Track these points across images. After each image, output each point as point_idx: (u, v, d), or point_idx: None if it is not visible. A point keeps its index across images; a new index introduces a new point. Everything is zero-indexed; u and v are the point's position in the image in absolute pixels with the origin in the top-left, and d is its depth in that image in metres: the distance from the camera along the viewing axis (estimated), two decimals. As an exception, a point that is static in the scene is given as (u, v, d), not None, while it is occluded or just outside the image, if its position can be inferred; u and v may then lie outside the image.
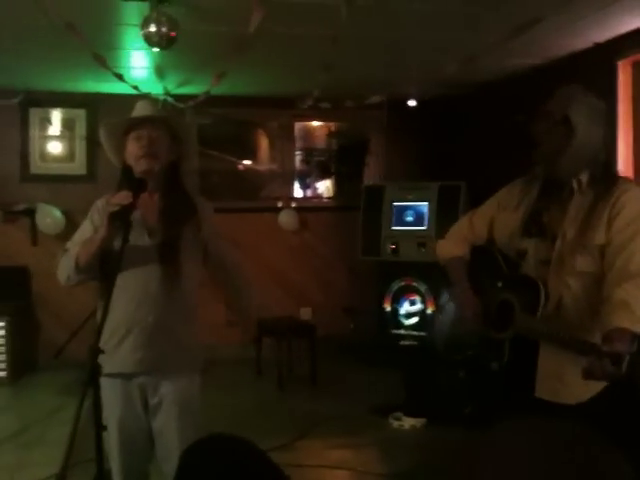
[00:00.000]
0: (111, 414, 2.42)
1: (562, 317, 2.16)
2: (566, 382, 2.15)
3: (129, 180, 2.46)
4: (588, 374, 1.88)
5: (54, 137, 6.42)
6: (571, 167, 2.20)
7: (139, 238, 2.40)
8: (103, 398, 2.40)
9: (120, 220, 2.24)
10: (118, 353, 2.40)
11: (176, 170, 2.53)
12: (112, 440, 2.44)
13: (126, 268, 2.35)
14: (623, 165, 4.52)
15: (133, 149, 2.44)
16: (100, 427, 1.83)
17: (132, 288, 2.38)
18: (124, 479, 2.47)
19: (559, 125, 2.17)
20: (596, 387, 2.10)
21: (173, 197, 2.48)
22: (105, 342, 2.37)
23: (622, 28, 4.31)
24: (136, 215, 2.37)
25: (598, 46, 4.67)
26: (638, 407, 2.62)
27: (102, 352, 1.86)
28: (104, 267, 2.35)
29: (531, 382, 2.22)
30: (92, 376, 1.77)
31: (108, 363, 2.37)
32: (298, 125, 7.22)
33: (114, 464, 2.46)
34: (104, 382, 2.40)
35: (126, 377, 2.42)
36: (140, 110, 2.50)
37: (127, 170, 2.50)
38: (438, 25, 4.22)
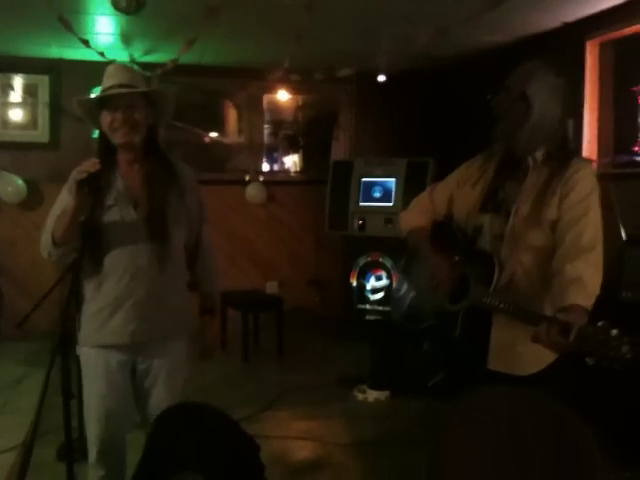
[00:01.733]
0: (93, 387, 2.42)
1: (514, 290, 2.21)
2: (519, 353, 2.20)
3: (107, 149, 2.40)
4: (535, 337, 1.93)
5: (16, 104, 6.26)
6: (528, 143, 2.22)
7: (125, 211, 2.36)
8: (84, 369, 2.41)
9: (88, 187, 2.19)
10: (110, 326, 2.37)
11: (155, 136, 2.45)
12: (90, 412, 2.44)
13: (114, 242, 2.34)
14: (588, 144, 4.59)
15: (109, 120, 2.34)
16: (68, 396, 1.81)
17: (122, 262, 2.35)
18: (100, 450, 2.45)
19: (517, 101, 2.19)
20: (547, 359, 2.15)
21: (154, 164, 2.42)
22: (93, 315, 2.39)
23: (591, 8, 4.36)
24: (120, 187, 2.35)
25: (567, 25, 4.71)
26: (583, 380, 2.70)
27: (72, 320, 1.83)
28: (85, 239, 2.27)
29: (484, 354, 2.26)
30: (61, 344, 1.74)
31: (99, 335, 2.38)
32: (267, 98, 7.16)
33: (90, 435, 2.45)
34: (90, 353, 2.40)
35: (118, 348, 2.40)
36: (111, 77, 2.39)
37: (104, 138, 2.40)
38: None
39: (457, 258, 2.35)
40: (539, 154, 2.24)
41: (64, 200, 2.40)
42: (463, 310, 2.25)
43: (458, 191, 2.45)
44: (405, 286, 2.63)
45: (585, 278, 2.02)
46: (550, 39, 4.91)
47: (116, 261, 2.35)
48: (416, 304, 2.53)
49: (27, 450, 1.67)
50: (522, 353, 2.18)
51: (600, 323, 1.78)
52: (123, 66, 2.50)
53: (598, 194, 2.19)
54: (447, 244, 2.41)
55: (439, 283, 2.36)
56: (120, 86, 2.34)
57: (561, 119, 2.24)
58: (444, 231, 2.47)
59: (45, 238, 2.40)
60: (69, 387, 1.90)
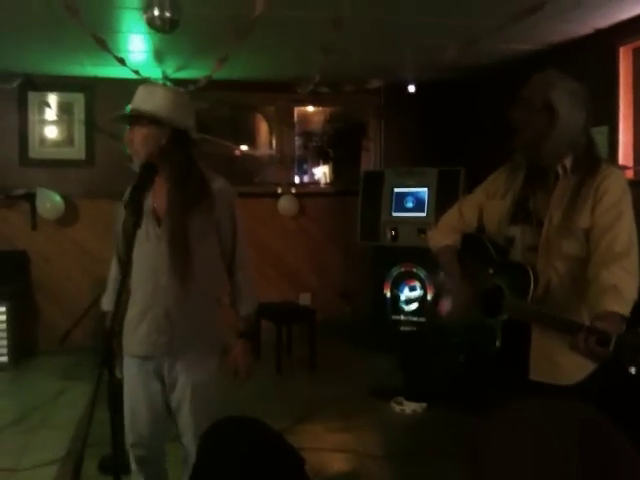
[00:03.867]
0: (129, 394, 2.51)
1: (550, 300, 2.19)
2: (558, 363, 2.18)
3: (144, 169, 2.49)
4: (573, 346, 1.91)
5: (53, 121, 6.39)
6: (554, 152, 2.21)
7: (150, 228, 2.44)
8: (124, 377, 2.50)
9: (131, 205, 2.26)
10: (135, 336, 2.47)
11: (176, 155, 2.46)
12: (127, 420, 2.52)
13: (140, 257, 2.42)
14: (623, 151, 4.53)
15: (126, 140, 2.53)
16: (115, 411, 1.85)
17: (145, 276, 2.45)
18: (137, 458, 2.53)
19: (540, 111, 2.18)
20: (588, 368, 2.14)
21: (178, 180, 2.46)
22: (126, 325, 2.50)
23: (623, 14, 4.31)
24: (148, 205, 2.41)
25: (599, 32, 4.66)
26: (627, 388, 2.66)
27: (116, 336, 1.87)
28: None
29: (525, 365, 2.25)
30: (107, 359, 1.77)
31: (129, 344, 2.49)
32: (296, 110, 7.20)
33: (128, 444, 2.53)
34: (127, 361, 2.50)
35: (142, 359, 2.49)
36: (133, 101, 2.51)
37: None
38: (439, 9, 4.22)
39: (490, 270, 2.34)
40: (567, 162, 2.23)
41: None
42: (501, 323, 2.24)
43: (487, 203, 2.45)
44: (441, 301, 2.64)
45: (621, 284, 2.00)
46: (582, 46, 4.86)
47: (142, 275, 2.46)
48: (452, 319, 2.53)
49: (77, 465, 1.70)
50: (562, 363, 2.17)
51: None
52: (145, 88, 2.53)
53: (630, 199, 2.17)
54: (479, 257, 2.40)
55: (460, 306, 2.37)
56: (133, 111, 2.47)
57: (585, 125, 2.23)
58: (476, 243, 2.46)
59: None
60: (116, 402, 1.93)
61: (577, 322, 2.00)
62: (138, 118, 2.45)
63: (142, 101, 2.47)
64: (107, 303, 2.63)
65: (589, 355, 1.90)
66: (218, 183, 2.54)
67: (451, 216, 2.59)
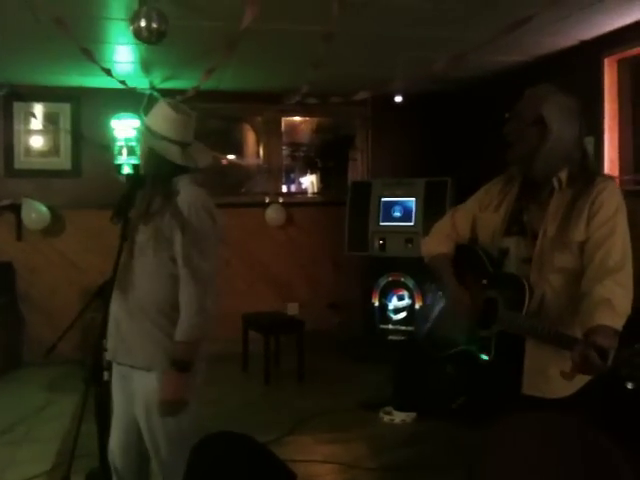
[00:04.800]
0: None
1: (544, 313, 2.19)
2: (551, 377, 2.18)
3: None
4: (576, 365, 1.90)
5: (38, 131, 6.35)
6: (547, 166, 2.22)
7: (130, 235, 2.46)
8: None
9: (117, 216, 2.27)
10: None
11: (153, 167, 2.52)
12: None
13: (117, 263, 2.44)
14: (609, 162, 4.57)
15: None
16: (102, 423, 1.83)
17: (115, 281, 2.44)
18: (112, 466, 2.51)
19: (532, 125, 2.20)
20: (580, 382, 2.13)
21: (155, 194, 2.47)
22: None
23: (608, 26, 4.35)
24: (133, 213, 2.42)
25: (584, 44, 4.71)
26: (621, 401, 2.67)
27: (105, 350, 1.85)
28: None
29: (518, 378, 2.24)
30: (95, 373, 1.76)
31: None
32: (284, 120, 7.21)
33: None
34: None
35: (114, 363, 2.51)
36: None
37: None
38: (428, 22, 4.24)
39: (484, 282, 2.34)
40: (563, 175, 2.24)
41: None
42: (495, 335, 2.24)
43: (481, 215, 2.45)
44: (431, 312, 2.62)
45: (614, 299, 2.01)
46: (567, 57, 4.91)
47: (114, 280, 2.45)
48: (443, 330, 2.52)
49: (65, 479, 1.68)
50: (555, 376, 2.16)
51: (637, 345, 1.77)
52: (157, 109, 2.54)
53: (624, 212, 2.18)
54: (473, 268, 2.40)
55: (460, 314, 2.36)
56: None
57: (578, 139, 2.24)
58: (469, 255, 2.46)
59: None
60: (103, 415, 1.91)
61: (572, 336, 2.01)
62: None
63: (153, 122, 2.55)
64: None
65: (587, 370, 1.90)
66: (183, 196, 2.45)
67: (444, 225, 2.58)
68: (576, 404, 2.14)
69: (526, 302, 2.18)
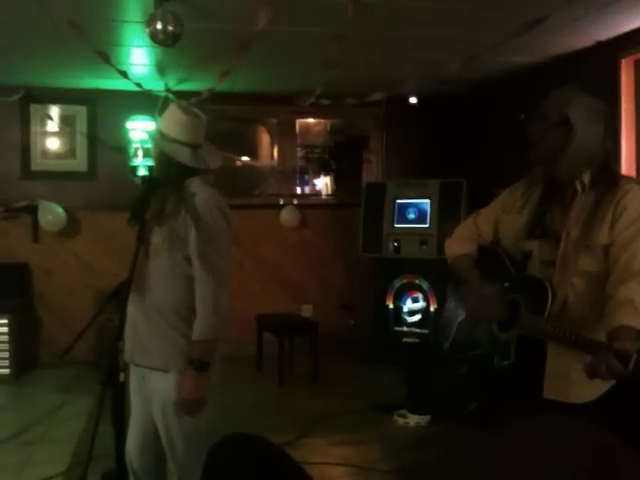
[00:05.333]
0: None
1: (567, 317, 2.17)
2: (574, 381, 2.16)
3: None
4: (592, 371, 1.89)
5: (55, 134, 6.40)
6: (571, 168, 2.20)
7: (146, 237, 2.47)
8: None
9: (134, 219, 2.28)
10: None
11: (164, 169, 2.56)
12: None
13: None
14: (626, 163, 4.53)
15: None
16: (119, 427, 1.84)
17: (132, 283, 2.44)
18: (130, 467, 2.53)
19: (557, 126, 2.18)
20: (603, 386, 2.12)
21: (169, 196, 2.49)
22: None
23: (625, 26, 4.32)
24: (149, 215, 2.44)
25: (600, 44, 4.67)
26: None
27: (121, 351, 1.86)
28: None
29: (539, 382, 2.22)
30: (111, 375, 1.77)
31: None
32: (298, 122, 7.22)
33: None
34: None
35: (134, 367, 2.53)
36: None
37: None
38: (441, 23, 4.22)
39: (506, 284, 2.32)
40: (586, 177, 2.22)
41: None
42: (515, 338, 2.22)
43: (504, 217, 2.44)
44: (452, 314, 2.61)
45: (637, 299, 1.98)
46: (583, 58, 4.87)
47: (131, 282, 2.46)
48: (463, 333, 2.50)
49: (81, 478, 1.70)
50: (577, 381, 2.14)
51: None
52: (168, 112, 2.56)
53: None
54: (495, 270, 2.38)
55: (487, 311, 2.33)
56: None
57: (603, 141, 2.22)
58: (491, 257, 2.44)
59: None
60: (119, 415, 1.92)
61: (595, 340, 1.98)
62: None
63: (166, 126, 2.57)
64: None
65: (608, 375, 1.88)
66: (195, 197, 2.46)
67: (467, 227, 2.58)
68: (598, 410, 2.12)
69: (548, 305, 2.15)
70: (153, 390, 2.49)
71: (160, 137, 2.52)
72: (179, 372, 2.40)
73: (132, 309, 2.44)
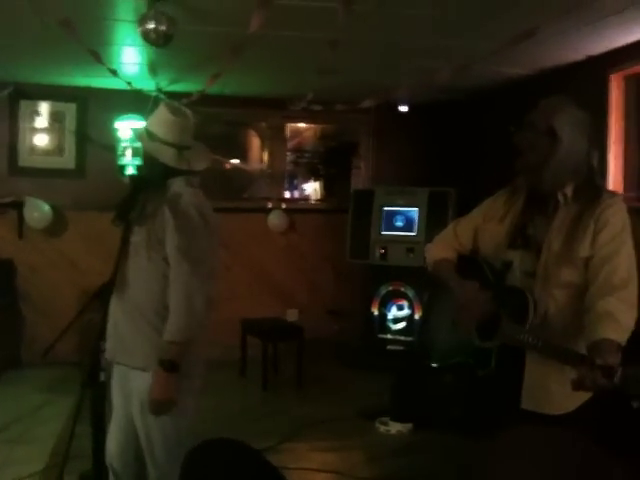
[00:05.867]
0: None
1: (548, 328, 2.18)
2: (552, 392, 2.17)
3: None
4: (578, 385, 1.89)
5: (43, 130, 6.36)
6: (555, 178, 2.21)
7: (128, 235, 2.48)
8: None
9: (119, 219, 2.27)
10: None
11: (147, 169, 2.58)
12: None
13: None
14: (613, 178, 4.56)
15: None
16: (97, 425, 1.83)
17: (115, 281, 2.46)
18: (117, 456, 2.53)
19: (543, 136, 2.19)
20: (582, 397, 2.13)
21: (151, 196, 2.49)
22: None
23: (615, 42, 4.35)
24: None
25: (591, 59, 4.71)
26: (626, 420, 2.65)
27: (103, 352, 1.85)
28: None
29: (517, 392, 2.23)
30: (92, 374, 1.76)
31: None
32: (288, 126, 7.22)
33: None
34: None
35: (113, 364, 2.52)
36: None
37: None
38: (432, 32, 4.24)
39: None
40: (568, 189, 2.23)
41: None
42: (496, 347, 2.22)
43: (484, 226, 2.44)
44: (431, 321, 2.61)
45: (617, 313, 2.00)
46: (573, 72, 4.91)
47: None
48: (443, 340, 2.51)
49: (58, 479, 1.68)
50: (555, 392, 2.16)
51: None
52: (157, 111, 2.56)
53: (629, 230, 2.17)
54: (475, 279, 2.38)
55: (470, 310, 2.32)
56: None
57: (588, 153, 2.23)
58: (471, 266, 2.45)
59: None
60: (98, 416, 1.91)
61: (579, 353, 1.99)
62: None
63: (155, 127, 2.56)
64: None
65: (594, 389, 1.88)
66: (175, 197, 2.46)
67: (447, 235, 2.57)
68: (576, 421, 2.13)
69: (530, 316, 2.16)
70: (132, 389, 2.48)
71: (147, 136, 2.51)
72: (154, 369, 2.39)
73: (113, 307, 2.44)
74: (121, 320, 2.45)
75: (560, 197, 2.23)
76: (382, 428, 4.60)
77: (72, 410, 4.46)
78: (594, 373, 1.83)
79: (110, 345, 2.42)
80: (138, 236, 2.42)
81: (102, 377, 2.30)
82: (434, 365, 2.57)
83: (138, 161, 5.39)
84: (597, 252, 2.14)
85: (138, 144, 2.68)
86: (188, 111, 2.56)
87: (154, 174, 2.50)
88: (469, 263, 2.47)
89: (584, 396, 2.12)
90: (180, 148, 2.50)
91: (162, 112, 2.52)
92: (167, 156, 2.46)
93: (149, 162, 2.52)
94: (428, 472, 3.85)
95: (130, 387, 2.49)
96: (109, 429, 2.53)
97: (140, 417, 2.46)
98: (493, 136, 4.86)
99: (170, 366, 2.32)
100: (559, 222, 2.22)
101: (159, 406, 2.35)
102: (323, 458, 4.12)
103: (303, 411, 4.96)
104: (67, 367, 5.56)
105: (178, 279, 2.37)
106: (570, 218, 2.21)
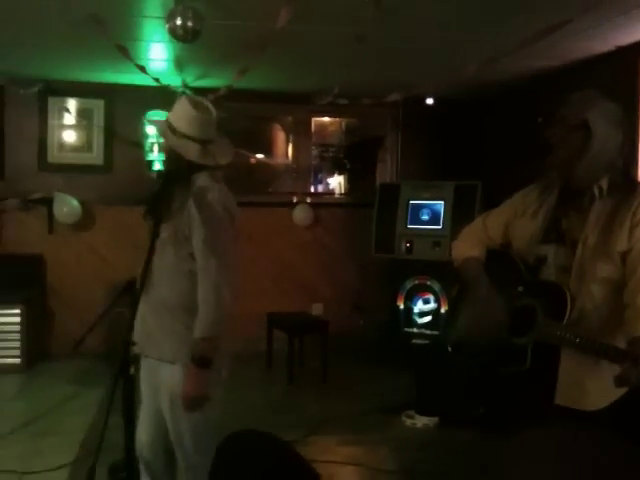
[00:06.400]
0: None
1: (585, 323, 2.15)
2: (586, 389, 2.15)
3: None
4: (622, 381, 1.86)
5: (72, 127, 6.44)
6: (589, 173, 2.18)
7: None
8: None
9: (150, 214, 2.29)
10: None
11: (172, 164, 2.57)
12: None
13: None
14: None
15: None
16: (128, 416, 1.85)
17: (140, 278, 2.46)
18: (146, 459, 2.56)
19: (576, 130, 2.15)
20: (615, 394, 2.10)
21: (178, 191, 2.50)
22: None
23: (645, 32, 4.28)
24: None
25: (620, 49, 4.64)
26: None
27: (134, 344, 1.87)
28: None
29: (551, 388, 2.20)
30: (123, 367, 1.78)
31: None
32: (313, 120, 7.22)
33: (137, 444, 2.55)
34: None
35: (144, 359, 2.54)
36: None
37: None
38: (461, 27, 4.21)
39: (520, 289, 2.30)
40: (604, 183, 2.19)
41: None
42: (531, 343, 2.20)
43: (516, 221, 2.41)
44: (457, 315, 2.58)
45: None
46: (602, 63, 4.84)
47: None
48: (472, 336, 2.48)
49: (91, 470, 1.71)
50: (591, 388, 2.13)
51: None
52: (178, 105, 2.56)
53: None
54: (508, 274, 2.35)
55: (490, 322, 2.30)
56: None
57: (622, 147, 2.19)
58: (504, 260, 2.41)
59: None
60: (130, 408, 1.94)
61: (620, 349, 1.97)
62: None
63: (175, 119, 2.55)
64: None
65: (637, 384, 1.86)
66: (200, 192, 2.47)
67: (475, 229, 2.55)
68: (610, 417, 2.11)
69: (568, 311, 2.13)
70: (161, 382, 2.51)
71: (169, 131, 2.50)
72: (186, 364, 2.40)
73: (141, 302, 2.44)
74: (148, 315, 2.47)
75: (596, 191, 2.19)
76: (408, 421, 4.59)
77: (103, 401, 4.53)
78: (638, 369, 1.81)
79: (138, 339, 2.44)
80: (165, 232, 2.43)
81: (132, 370, 2.32)
82: (459, 360, 2.55)
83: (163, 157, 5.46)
84: (634, 245, 2.10)
85: (158, 139, 2.69)
86: (210, 105, 2.54)
87: (179, 169, 2.50)
88: (502, 258, 2.44)
89: (618, 393, 2.08)
90: (204, 142, 2.49)
91: (184, 106, 2.50)
92: (192, 152, 2.46)
93: (173, 157, 2.51)
94: (454, 467, 3.83)
95: (159, 380, 2.52)
96: (139, 421, 2.56)
97: (169, 409, 2.48)
98: (520, 130, 4.81)
99: (202, 362, 2.33)
100: (595, 216, 2.19)
101: (193, 402, 2.37)
102: (349, 451, 4.12)
103: (328, 405, 4.97)
104: (95, 359, 5.65)
105: (206, 273, 2.38)
106: (606, 212, 2.17)
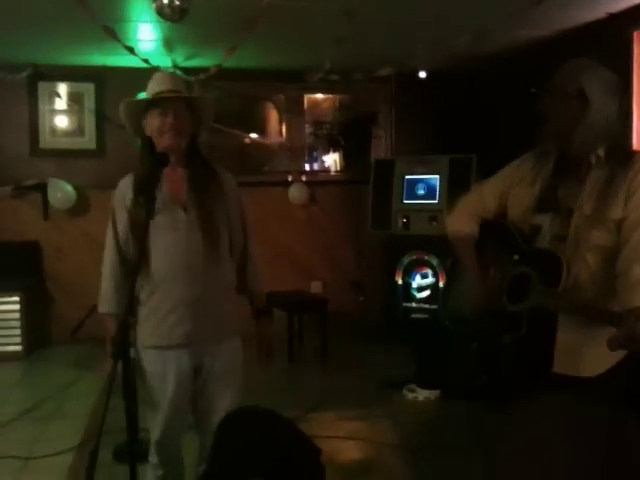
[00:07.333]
0: (161, 389, 2.47)
1: (580, 291, 2.15)
2: (584, 355, 2.15)
3: (150, 154, 2.46)
4: (618, 343, 1.85)
5: (63, 111, 6.39)
6: (585, 141, 2.15)
7: (174, 215, 2.43)
8: (148, 370, 2.46)
9: (144, 196, 2.26)
10: (165, 326, 2.45)
11: (196, 143, 2.54)
12: (156, 413, 2.50)
13: (166, 246, 2.42)
14: (637, 136, 4.47)
15: (157, 124, 2.43)
16: (130, 401, 1.86)
17: (175, 264, 2.42)
18: (161, 449, 2.55)
19: (572, 99, 2.12)
20: (612, 359, 2.11)
21: (198, 169, 2.49)
22: (149, 317, 2.47)
23: (637, -2, 4.25)
24: (165, 192, 2.41)
25: (612, 17, 4.60)
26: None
27: (131, 327, 1.88)
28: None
29: (548, 356, 2.21)
30: (122, 350, 1.78)
31: (156, 336, 2.46)
32: (306, 98, 7.18)
33: (154, 435, 2.53)
34: (149, 354, 2.47)
35: (173, 348, 2.46)
36: (161, 83, 2.47)
37: (149, 144, 2.49)
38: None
39: (516, 257, 2.30)
40: (601, 151, 2.17)
41: (120, 218, 2.53)
42: (526, 311, 2.20)
43: (512, 190, 2.39)
44: (453, 288, 2.59)
45: None
46: (594, 31, 4.80)
47: (169, 264, 2.42)
48: (467, 305, 2.49)
49: (93, 453, 1.72)
50: (587, 354, 2.13)
51: None
52: (170, 74, 2.57)
53: None
54: (502, 243, 2.35)
55: (482, 294, 2.32)
56: (170, 91, 2.42)
57: (618, 115, 2.16)
58: (499, 230, 2.41)
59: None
60: (131, 390, 1.95)
61: (616, 312, 1.96)
62: (180, 104, 2.45)
63: (180, 87, 2.50)
64: (107, 305, 2.60)
65: (632, 345, 1.85)
66: (225, 174, 2.60)
67: (471, 200, 2.53)
68: (609, 382, 2.12)
69: (563, 278, 2.12)
70: (208, 361, 2.50)
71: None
72: (238, 340, 2.61)
73: (184, 291, 2.43)
74: (202, 300, 2.45)
75: (592, 159, 2.18)
76: (410, 395, 4.62)
77: (105, 385, 4.55)
78: (633, 332, 1.81)
79: (189, 328, 2.43)
80: (192, 214, 2.43)
81: (132, 353, 2.31)
82: (457, 332, 2.57)
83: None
84: (629, 214, 2.08)
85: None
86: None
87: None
88: (497, 228, 2.44)
89: (615, 358, 2.09)
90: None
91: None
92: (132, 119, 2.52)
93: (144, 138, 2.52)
94: (456, 439, 3.86)
95: (204, 360, 2.50)
96: (163, 411, 2.51)
97: (220, 384, 2.51)
98: (514, 101, 4.80)
99: (269, 312, 2.71)
100: (591, 185, 2.17)
101: (271, 349, 2.77)
102: (351, 426, 4.15)
103: (329, 381, 5.00)
104: (95, 344, 5.65)
105: (253, 250, 2.70)
106: (602, 180, 2.15)
